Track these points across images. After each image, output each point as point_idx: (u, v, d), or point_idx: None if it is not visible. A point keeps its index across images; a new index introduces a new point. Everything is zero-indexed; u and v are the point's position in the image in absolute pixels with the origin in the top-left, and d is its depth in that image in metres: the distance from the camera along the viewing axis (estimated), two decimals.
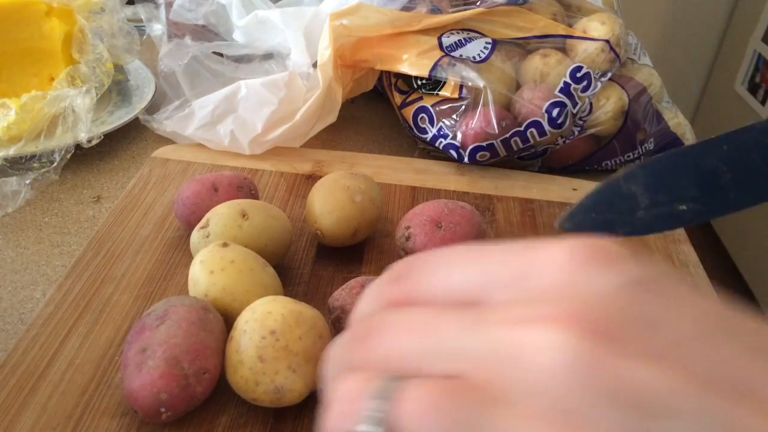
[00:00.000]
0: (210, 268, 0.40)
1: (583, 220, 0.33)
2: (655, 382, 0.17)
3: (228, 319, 0.39)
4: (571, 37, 0.64)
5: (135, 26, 0.74)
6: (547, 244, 0.20)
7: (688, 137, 0.68)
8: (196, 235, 0.45)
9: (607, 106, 0.63)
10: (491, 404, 0.18)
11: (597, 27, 0.64)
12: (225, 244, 0.41)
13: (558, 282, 0.19)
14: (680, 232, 0.58)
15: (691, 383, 0.17)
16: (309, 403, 0.39)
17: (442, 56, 0.61)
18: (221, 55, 0.72)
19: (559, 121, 0.60)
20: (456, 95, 0.61)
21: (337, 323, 0.41)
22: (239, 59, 0.72)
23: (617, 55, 0.63)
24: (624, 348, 0.17)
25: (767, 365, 0.17)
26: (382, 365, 0.20)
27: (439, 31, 0.63)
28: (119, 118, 0.66)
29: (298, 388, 0.36)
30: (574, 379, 0.17)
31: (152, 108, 0.68)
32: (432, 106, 0.63)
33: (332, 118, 0.65)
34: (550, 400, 0.17)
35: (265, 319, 0.36)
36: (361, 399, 0.19)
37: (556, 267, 0.19)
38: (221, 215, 0.45)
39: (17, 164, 0.60)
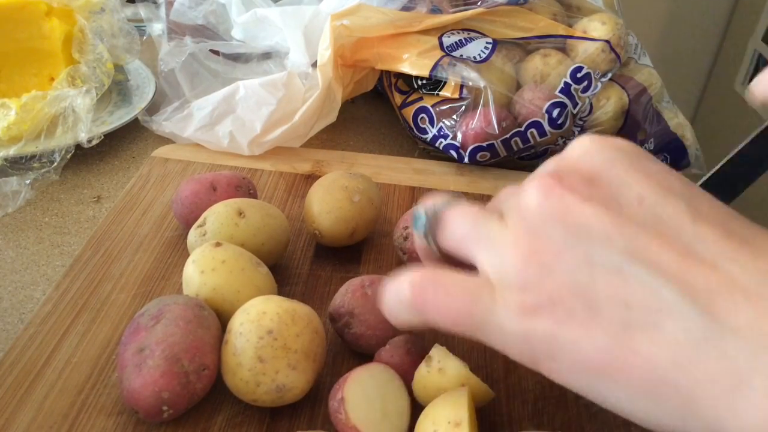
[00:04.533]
0: (201, 267, 0.40)
1: None
2: (595, 218, 0.25)
3: (219, 319, 0.39)
4: (571, 37, 0.64)
5: (135, 26, 0.74)
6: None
7: (688, 137, 0.68)
8: (192, 234, 0.45)
9: (607, 106, 0.63)
10: (491, 220, 0.28)
11: (597, 27, 0.64)
12: (218, 244, 0.41)
13: (575, 156, 0.28)
14: None
15: (625, 227, 0.25)
16: (305, 401, 0.39)
17: (443, 56, 0.61)
18: (219, 54, 0.72)
19: (559, 122, 0.60)
20: (456, 95, 0.61)
21: (346, 329, 0.41)
22: (237, 58, 0.72)
23: (617, 55, 0.63)
24: (582, 195, 0.26)
25: (706, 229, 0.24)
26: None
27: (440, 31, 0.63)
28: (119, 118, 0.66)
29: (299, 385, 0.36)
30: (541, 210, 0.26)
31: (152, 108, 0.68)
32: (432, 106, 0.63)
33: (332, 118, 0.65)
34: (526, 221, 0.27)
35: (260, 320, 0.36)
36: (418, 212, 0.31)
37: (577, 147, 0.28)
38: (218, 214, 0.45)
39: (17, 164, 0.60)
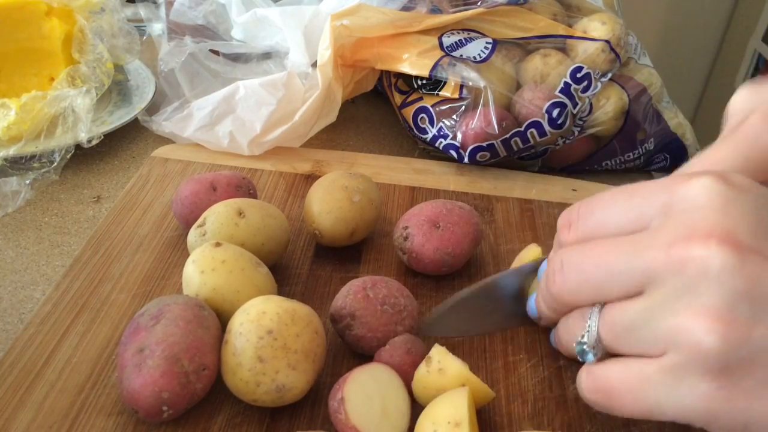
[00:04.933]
0: (201, 267, 0.40)
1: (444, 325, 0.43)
2: None
3: (219, 319, 0.39)
4: (571, 37, 0.64)
5: (135, 26, 0.74)
6: (682, 177, 0.27)
7: (688, 137, 0.68)
8: (192, 234, 0.45)
9: (607, 106, 0.63)
10: (653, 310, 0.26)
11: (597, 27, 0.64)
12: (218, 244, 0.41)
13: (700, 204, 0.25)
14: None
15: None
16: (305, 401, 0.39)
17: (443, 56, 0.61)
18: (219, 54, 0.72)
19: (559, 122, 0.60)
20: (456, 95, 0.61)
21: (347, 331, 0.41)
22: (237, 58, 0.72)
23: (617, 56, 0.63)
24: (758, 257, 0.24)
25: None
26: (575, 293, 0.30)
27: (440, 30, 0.63)
28: (119, 118, 0.66)
29: (299, 385, 0.36)
30: (720, 281, 0.24)
31: (152, 108, 0.68)
32: (432, 106, 0.63)
33: (331, 118, 0.65)
34: (707, 297, 0.24)
35: (260, 320, 0.36)
36: (579, 322, 0.31)
37: (696, 193, 0.25)
38: (218, 214, 0.45)
39: (17, 164, 0.60)
